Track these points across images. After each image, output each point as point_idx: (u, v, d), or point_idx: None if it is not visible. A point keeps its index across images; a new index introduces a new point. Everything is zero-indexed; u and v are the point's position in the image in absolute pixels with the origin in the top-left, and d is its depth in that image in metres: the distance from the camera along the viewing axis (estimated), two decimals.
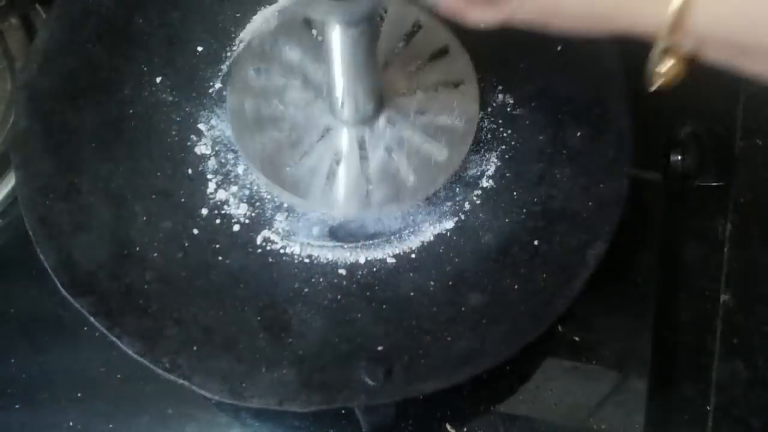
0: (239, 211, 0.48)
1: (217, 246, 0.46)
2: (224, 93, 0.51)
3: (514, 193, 0.47)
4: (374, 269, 0.46)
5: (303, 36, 0.52)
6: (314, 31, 0.52)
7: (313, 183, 0.47)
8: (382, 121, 0.49)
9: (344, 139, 0.49)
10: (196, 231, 0.47)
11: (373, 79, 0.46)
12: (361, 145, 0.49)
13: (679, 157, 0.52)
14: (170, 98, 0.51)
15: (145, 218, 0.47)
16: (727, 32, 0.27)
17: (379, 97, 0.48)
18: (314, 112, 0.50)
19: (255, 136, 0.48)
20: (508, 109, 0.50)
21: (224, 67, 0.52)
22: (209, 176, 0.49)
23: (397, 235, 0.47)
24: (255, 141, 0.48)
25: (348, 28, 0.40)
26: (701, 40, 0.28)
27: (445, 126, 0.49)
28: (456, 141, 0.49)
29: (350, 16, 0.39)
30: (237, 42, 0.53)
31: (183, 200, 0.48)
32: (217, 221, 0.47)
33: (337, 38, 0.41)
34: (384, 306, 0.44)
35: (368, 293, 0.45)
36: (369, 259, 0.46)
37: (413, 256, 0.46)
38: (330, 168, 0.48)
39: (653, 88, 0.30)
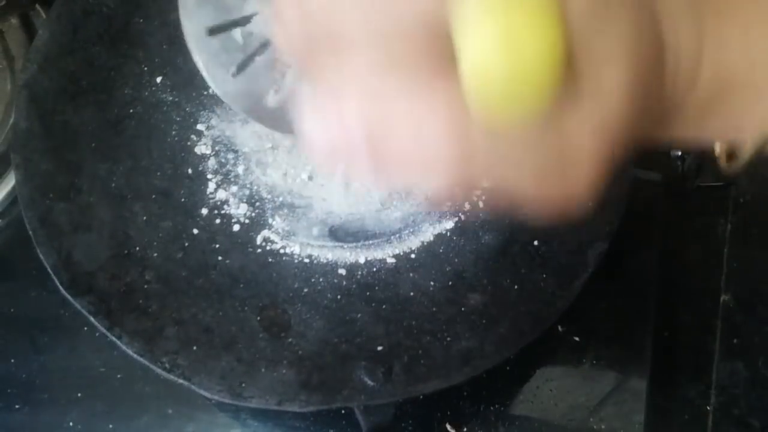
0: (239, 211, 0.48)
1: (217, 246, 0.46)
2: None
3: None
4: (374, 269, 0.46)
5: None
6: None
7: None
8: None
9: None
10: (196, 231, 0.47)
11: None
12: None
13: (679, 158, 0.52)
14: (170, 98, 0.51)
15: (145, 218, 0.47)
16: None
17: None
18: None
19: (226, 71, 0.42)
20: None
21: None
22: (209, 176, 0.49)
23: (397, 235, 0.47)
24: (228, 79, 0.42)
25: None
26: None
27: None
28: None
29: None
30: None
31: (183, 200, 0.48)
32: (217, 221, 0.47)
33: None
34: (384, 306, 0.44)
35: (368, 293, 0.45)
36: (369, 259, 0.46)
37: (413, 256, 0.46)
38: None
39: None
